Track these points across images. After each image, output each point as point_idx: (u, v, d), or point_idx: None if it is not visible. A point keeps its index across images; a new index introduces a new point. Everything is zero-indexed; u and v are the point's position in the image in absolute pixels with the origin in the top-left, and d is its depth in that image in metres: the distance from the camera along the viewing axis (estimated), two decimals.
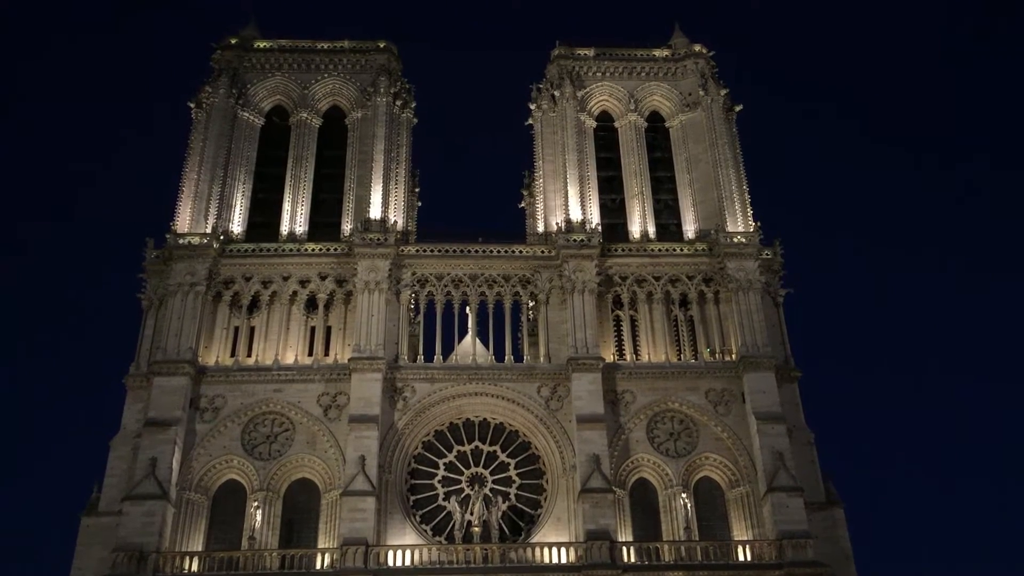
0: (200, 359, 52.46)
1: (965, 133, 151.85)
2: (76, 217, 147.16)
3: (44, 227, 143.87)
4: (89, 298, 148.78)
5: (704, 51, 65.93)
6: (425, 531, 49.84)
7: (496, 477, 51.86)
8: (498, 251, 57.39)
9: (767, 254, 57.96)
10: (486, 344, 55.40)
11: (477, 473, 51.96)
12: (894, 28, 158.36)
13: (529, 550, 47.93)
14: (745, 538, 49.05)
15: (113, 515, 47.68)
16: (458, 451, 52.60)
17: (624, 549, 47.51)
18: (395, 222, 57.60)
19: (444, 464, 52.20)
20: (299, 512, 50.20)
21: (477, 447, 52.74)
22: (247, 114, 62.07)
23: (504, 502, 50.74)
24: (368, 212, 57.54)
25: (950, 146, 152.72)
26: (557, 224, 58.22)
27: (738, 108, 64.62)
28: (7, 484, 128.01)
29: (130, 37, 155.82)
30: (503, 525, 50.02)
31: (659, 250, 58.00)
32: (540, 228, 60.28)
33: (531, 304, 57.91)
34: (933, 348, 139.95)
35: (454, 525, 49.48)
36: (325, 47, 65.02)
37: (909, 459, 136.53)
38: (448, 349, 55.12)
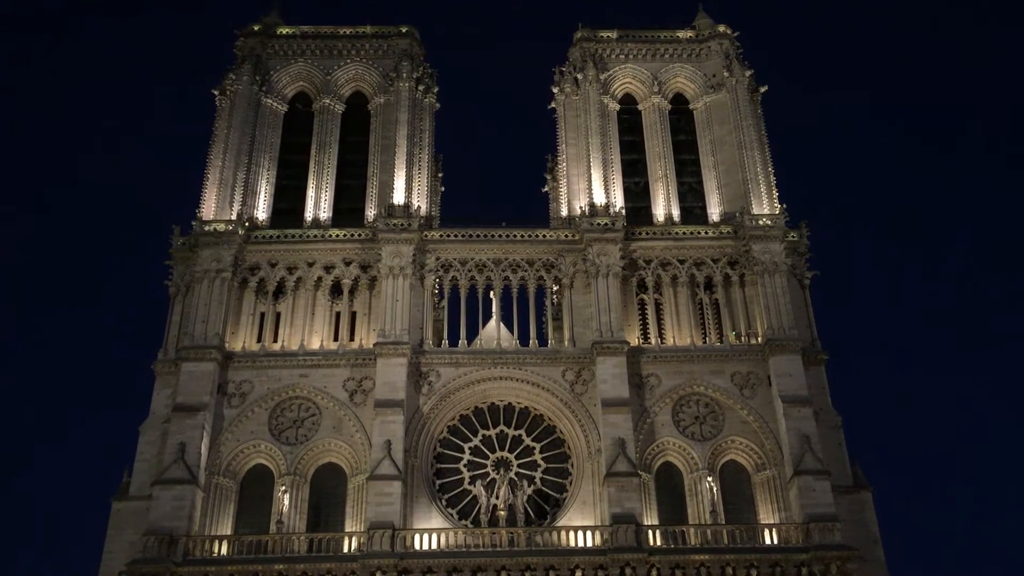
0: (227, 345, 52.88)
1: (995, 115, 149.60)
2: (103, 204, 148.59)
3: (73, 214, 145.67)
4: (117, 285, 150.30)
5: (728, 32, 65.28)
6: (451, 515, 50.07)
7: (521, 461, 51.98)
8: (522, 235, 57.35)
9: (793, 236, 57.52)
10: (510, 328, 55.46)
11: (502, 457, 52.09)
12: (923, 8, 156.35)
13: (555, 534, 48.04)
14: (772, 521, 48.91)
15: (143, 499, 48.34)
16: (483, 435, 52.74)
17: (650, 532, 47.53)
18: (418, 207, 57.62)
19: (469, 448, 52.38)
20: (326, 496, 50.60)
21: (502, 431, 52.86)
22: (270, 101, 62.25)
23: (529, 486, 50.89)
24: (391, 198, 57.60)
25: (979, 127, 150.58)
26: (581, 208, 58.01)
27: (763, 89, 63.99)
28: (40, 469, 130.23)
29: (154, 23, 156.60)
30: (528, 509, 50.15)
31: (684, 233, 57.70)
32: (564, 212, 60.13)
33: (555, 288, 57.82)
34: (963, 331, 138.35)
35: (480, 509, 49.70)
36: (347, 33, 64.99)
37: (938, 443, 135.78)
38: (472, 334, 55.15)
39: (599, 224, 56.34)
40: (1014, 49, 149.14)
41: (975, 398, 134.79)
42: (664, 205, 59.95)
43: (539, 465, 52.01)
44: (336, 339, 54.40)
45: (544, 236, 57.77)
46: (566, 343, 54.54)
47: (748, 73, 63.13)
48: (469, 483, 51.28)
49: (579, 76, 63.02)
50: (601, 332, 52.99)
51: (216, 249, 54.77)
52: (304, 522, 49.50)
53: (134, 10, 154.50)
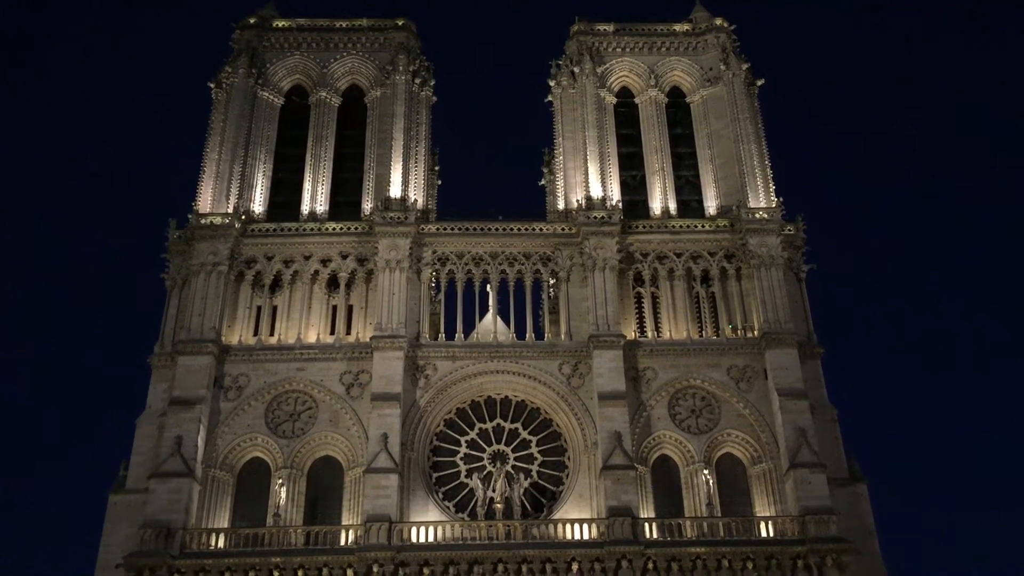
0: (223, 338, 52.88)
1: (996, 110, 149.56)
2: (99, 197, 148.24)
3: (68, 209, 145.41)
4: (115, 279, 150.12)
5: (725, 25, 65.19)
6: (448, 508, 50.14)
7: (518, 454, 52.04)
8: (518, 229, 57.35)
9: (789, 230, 57.47)
10: (507, 322, 55.58)
11: (499, 450, 52.15)
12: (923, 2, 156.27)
13: (551, 526, 48.11)
14: (768, 514, 49.00)
15: (140, 492, 48.36)
16: (480, 428, 52.79)
17: (646, 525, 47.62)
18: (415, 200, 57.57)
19: (466, 441, 52.44)
20: (323, 489, 50.67)
21: (499, 424, 52.91)
22: (266, 94, 62.11)
23: (526, 479, 50.96)
24: (388, 191, 57.57)
25: (980, 121, 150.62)
26: (577, 201, 57.99)
27: (760, 82, 63.95)
28: (36, 464, 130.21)
29: (150, 16, 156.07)
30: (525, 502, 50.23)
31: (680, 226, 57.67)
32: (560, 205, 60.07)
33: (552, 282, 57.76)
34: (960, 325, 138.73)
35: (476, 502, 49.79)
36: (343, 25, 64.87)
37: (934, 436, 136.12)
38: (469, 327, 55.11)
39: (596, 217, 56.36)
40: (1017, 40, 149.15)
41: (972, 391, 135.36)
42: (661, 198, 59.94)
43: (535, 458, 52.09)
44: (333, 332, 54.38)
45: (541, 229, 57.75)
46: (563, 336, 54.58)
47: (745, 66, 63.05)
48: (466, 476, 51.34)
49: (576, 69, 62.93)
50: (598, 325, 53.02)
51: (212, 242, 54.69)
52: (301, 515, 49.53)
53: (133, 4, 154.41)
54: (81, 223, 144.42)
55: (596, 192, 58.00)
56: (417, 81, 62.55)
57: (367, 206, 58.02)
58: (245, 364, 52.57)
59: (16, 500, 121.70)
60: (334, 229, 56.76)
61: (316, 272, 55.53)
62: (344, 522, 48.70)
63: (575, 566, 46.41)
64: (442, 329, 56.12)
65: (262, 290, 55.29)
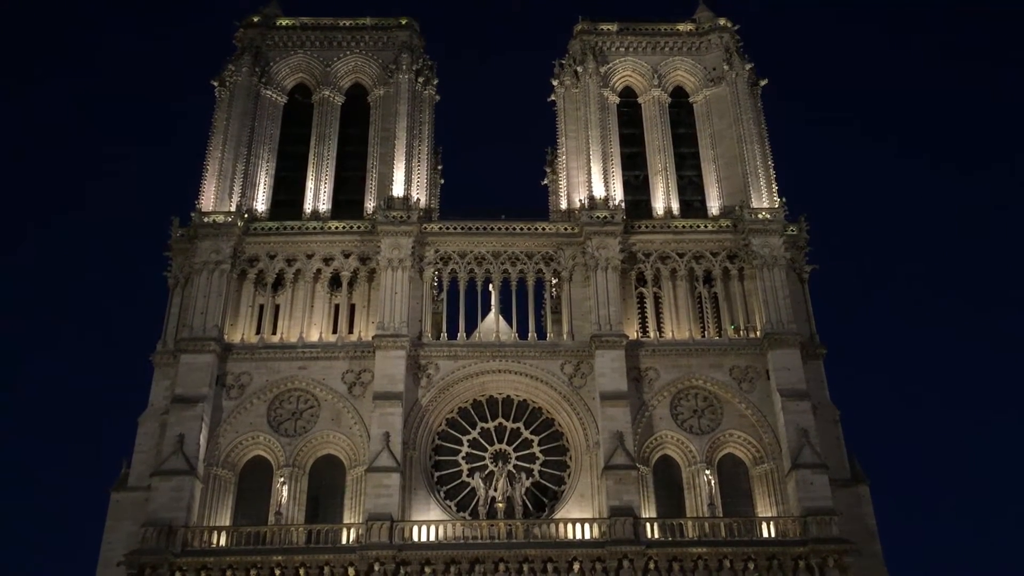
0: (226, 336, 52.90)
1: (995, 108, 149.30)
2: (102, 196, 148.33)
3: (71, 207, 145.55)
4: (116, 276, 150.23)
5: (729, 25, 65.15)
6: (449, 507, 50.16)
7: (520, 454, 52.04)
8: (521, 228, 57.35)
9: (792, 230, 57.44)
10: (509, 321, 55.57)
11: (501, 450, 52.16)
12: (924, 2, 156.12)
13: (553, 526, 48.12)
14: (769, 515, 48.99)
15: (142, 490, 48.41)
16: (482, 428, 52.80)
17: (648, 525, 47.60)
18: (418, 199, 57.60)
19: (468, 441, 52.45)
20: (325, 488, 50.64)
21: (501, 424, 52.92)
22: (270, 92, 62.13)
23: (528, 478, 50.98)
24: (391, 190, 57.59)
25: (979, 119, 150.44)
26: (580, 201, 57.99)
27: (763, 83, 63.90)
28: (38, 461, 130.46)
29: (153, 14, 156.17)
30: (527, 501, 50.26)
31: (683, 227, 57.64)
32: (563, 205, 60.09)
33: (554, 281, 57.78)
34: (962, 325, 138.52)
35: (478, 501, 49.83)
36: (347, 24, 64.88)
37: (936, 437, 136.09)
38: (471, 326, 55.13)
39: (598, 217, 56.35)
40: (1018, 39, 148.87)
41: (973, 392, 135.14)
42: (663, 198, 59.93)
43: (537, 458, 52.09)
44: (335, 331, 54.41)
45: (543, 229, 57.75)
46: (565, 336, 54.58)
47: (748, 66, 63.03)
48: (467, 475, 51.36)
49: (579, 69, 62.91)
50: (600, 325, 53.02)
51: (215, 241, 54.71)
52: (302, 514, 49.55)
53: (136, 1, 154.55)
54: (82, 221, 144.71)
55: (599, 192, 58.00)
56: (420, 80, 62.59)
57: (370, 205, 58.03)
58: (247, 362, 52.60)
59: (18, 498, 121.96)
60: (337, 228, 56.78)
61: (318, 271, 55.57)
62: (346, 521, 48.70)
63: (576, 566, 46.39)
64: (444, 328, 56.14)
65: (264, 288, 55.32)
